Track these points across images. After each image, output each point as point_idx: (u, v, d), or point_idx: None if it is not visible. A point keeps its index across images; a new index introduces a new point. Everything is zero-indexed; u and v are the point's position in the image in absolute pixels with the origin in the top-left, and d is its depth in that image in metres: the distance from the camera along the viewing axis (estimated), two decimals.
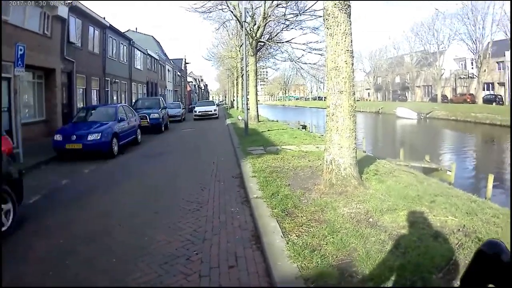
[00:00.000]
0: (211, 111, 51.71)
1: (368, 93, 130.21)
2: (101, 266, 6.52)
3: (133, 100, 43.30)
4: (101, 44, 36.78)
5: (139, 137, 24.59)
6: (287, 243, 6.50)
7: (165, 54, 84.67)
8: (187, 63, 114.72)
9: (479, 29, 71.92)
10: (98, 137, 18.12)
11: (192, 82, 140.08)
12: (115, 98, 41.44)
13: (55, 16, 26.01)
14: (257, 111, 35.87)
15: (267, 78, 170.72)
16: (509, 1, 58.00)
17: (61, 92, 28.19)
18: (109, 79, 38.92)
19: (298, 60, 35.49)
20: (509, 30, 61.39)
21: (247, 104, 27.20)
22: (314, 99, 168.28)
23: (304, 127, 44.44)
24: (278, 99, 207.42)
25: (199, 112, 51.23)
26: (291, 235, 6.88)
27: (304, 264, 5.72)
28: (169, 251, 7.02)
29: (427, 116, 69.50)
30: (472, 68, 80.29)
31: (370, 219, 7.48)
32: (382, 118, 77.85)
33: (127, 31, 64.74)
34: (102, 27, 36.79)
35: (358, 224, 7.24)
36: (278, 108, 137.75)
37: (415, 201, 8.44)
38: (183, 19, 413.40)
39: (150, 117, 30.80)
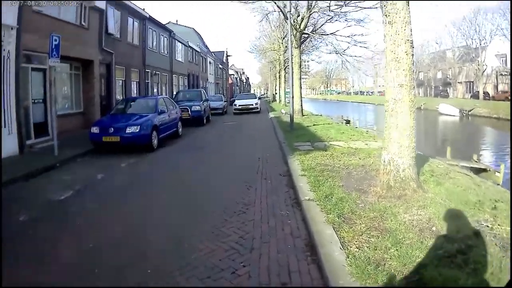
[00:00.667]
0: (252, 104, 46.39)
1: None
2: (133, 279, 5.67)
3: (174, 92, 42.70)
4: (141, 35, 36.07)
5: (180, 130, 23.77)
6: (348, 257, 5.62)
7: (207, 46, 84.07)
8: (229, 55, 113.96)
9: None
10: (137, 130, 17.26)
11: (233, 75, 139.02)
12: (155, 90, 40.78)
13: (93, 7, 25.21)
14: (301, 105, 34.65)
15: (309, 72, 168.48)
16: (509, 1, 58.11)
17: (99, 84, 27.43)
18: (149, 71, 38.23)
19: (343, 53, 34.15)
20: (510, 30, 61.86)
21: (292, 98, 26.05)
22: (356, 93, 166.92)
23: (348, 122, 43.42)
24: (320, 93, 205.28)
25: (239, 105, 46.19)
26: (351, 247, 6.02)
27: (369, 283, 4.92)
28: (212, 261, 6.18)
29: (469, 113, 67.78)
30: None
31: (433, 228, 6.68)
32: (425, 114, 74.86)
33: (168, 23, 63.97)
34: (142, 19, 36.05)
35: (421, 233, 6.45)
36: (319, 102, 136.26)
37: (477, 207, 7.62)
38: (225, 12, 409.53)
39: (192, 109, 30.05)
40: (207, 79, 74.94)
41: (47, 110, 20.44)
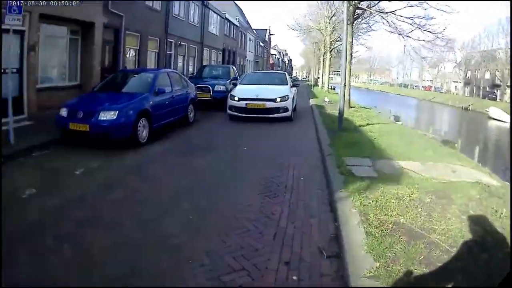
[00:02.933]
0: (275, 100, 19.98)
1: (456, 86, 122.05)
2: None
3: None
4: None
5: (192, 115, 18.56)
6: None
7: (247, 22, 79.00)
8: (272, 34, 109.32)
9: None
10: (114, 117, 11.99)
11: (275, 55, 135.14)
12: (180, 64, 35.69)
13: None
14: (349, 95, 28.49)
15: (353, 58, 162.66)
16: (509, 1, 52.06)
17: (102, 52, 22.40)
18: (173, 40, 33.03)
19: (407, 35, 27.37)
20: (509, 30, 59.72)
21: (343, 85, 19.60)
22: (400, 85, 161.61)
23: (398, 118, 38.69)
24: (362, 82, 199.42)
25: (240, 102, 20.16)
26: None
27: None
28: None
29: None
30: None
31: None
32: (472, 117, 70.81)
33: None
34: None
35: None
36: (362, 91, 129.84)
37: None
38: None
39: (214, 89, 24.42)
40: (246, 57, 69.83)
41: (23, 83, 15.81)
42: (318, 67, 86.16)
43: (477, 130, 53.12)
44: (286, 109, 20.09)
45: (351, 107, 28.37)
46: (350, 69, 27.70)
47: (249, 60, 73.69)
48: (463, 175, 9.79)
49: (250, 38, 74.04)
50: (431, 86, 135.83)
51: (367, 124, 19.95)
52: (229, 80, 26.39)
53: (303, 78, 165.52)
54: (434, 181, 8.93)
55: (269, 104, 19.68)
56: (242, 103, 19.84)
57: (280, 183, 9.43)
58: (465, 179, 9.31)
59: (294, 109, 22.62)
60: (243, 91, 20.81)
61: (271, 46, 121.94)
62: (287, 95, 20.26)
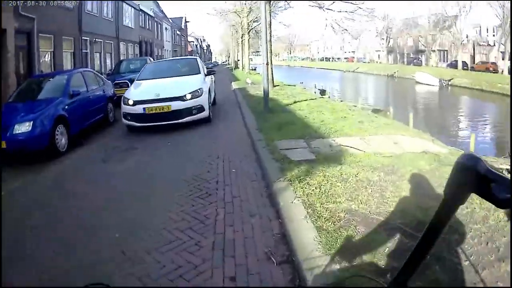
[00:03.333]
0: (182, 98, 14.76)
1: (378, 55, 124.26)
2: None
3: None
4: None
5: (111, 114, 17.69)
6: None
7: (162, 11, 77.58)
8: (187, 22, 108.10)
9: None
10: (29, 128, 11.20)
11: (193, 42, 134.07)
12: (97, 61, 34.67)
13: None
14: (272, 74, 28.44)
15: (272, 37, 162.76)
16: (509, 1, 56.13)
17: (16, 59, 21.52)
18: (88, 38, 32.02)
19: (328, 8, 27.12)
20: (509, 30, 58.66)
21: (266, 64, 18.48)
22: (321, 60, 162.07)
23: (323, 92, 38.64)
24: (283, 60, 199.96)
25: (135, 107, 14.69)
26: None
27: None
28: None
29: (449, 83, 64.00)
30: (494, 35, 75.37)
31: None
32: (400, 83, 72.68)
33: None
34: None
35: None
36: (283, 68, 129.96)
37: None
38: None
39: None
40: (163, 47, 68.89)
41: None
42: (237, 50, 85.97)
43: (406, 95, 54.48)
44: (201, 109, 14.91)
45: (275, 85, 28.35)
46: (271, 48, 27.50)
47: (167, 50, 72.77)
48: (407, 146, 9.79)
49: (166, 28, 73.08)
50: (353, 57, 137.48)
51: (294, 102, 19.60)
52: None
53: (223, 62, 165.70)
54: (378, 157, 8.69)
55: (177, 105, 14.32)
56: (139, 108, 14.29)
57: (210, 179, 8.71)
58: (410, 150, 9.27)
59: (213, 103, 18.71)
60: (140, 91, 15.54)
61: (189, 34, 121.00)
62: (200, 89, 15.05)
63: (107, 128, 16.64)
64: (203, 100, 14.94)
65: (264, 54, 18.26)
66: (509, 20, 57.85)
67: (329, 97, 32.99)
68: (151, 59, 31.93)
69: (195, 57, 21.56)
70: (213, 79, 19.63)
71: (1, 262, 5.08)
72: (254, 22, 54.36)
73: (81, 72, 16.57)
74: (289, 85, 33.64)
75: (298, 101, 19.89)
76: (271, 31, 28.02)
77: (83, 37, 30.70)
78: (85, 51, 31.49)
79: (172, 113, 14.24)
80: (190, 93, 14.54)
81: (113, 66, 33.66)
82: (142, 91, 15.27)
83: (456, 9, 78.66)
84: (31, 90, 14.83)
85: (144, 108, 14.11)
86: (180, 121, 14.35)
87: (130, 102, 14.43)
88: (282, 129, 12.35)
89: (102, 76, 19.76)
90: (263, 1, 18.33)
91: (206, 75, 17.04)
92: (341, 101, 28.21)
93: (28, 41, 23.23)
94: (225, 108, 20.26)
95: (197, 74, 16.58)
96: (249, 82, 33.07)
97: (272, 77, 27.94)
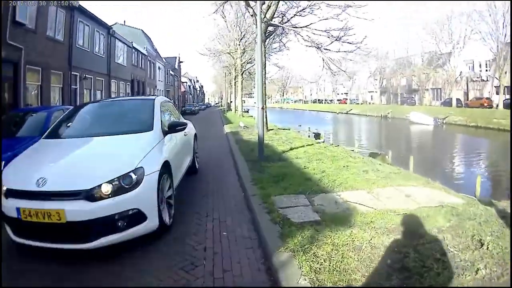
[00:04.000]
0: (88, 193, 6.34)
1: (371, 96, 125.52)
2: None
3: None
4: (67, 29, 28.88)
5: None
6: None
7: (156, 50, 77.17)
8: (181, 62, 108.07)
9: (500, 27, 64.56)
10: None
11: (186, 82, 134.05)
12: (87, 99, 33.37)
13: None
14: (266, 116, 27.67)
15: (266, 79, 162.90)
16: (509, 1, 56.91)
17: (1, 90, 20.45)
18: (77, 73, 31.07)
19: (326, 48, 26.20)
20: (510, 30, 58.87)
21: (262, 108, 16.16)
22: (314, 102, 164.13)
23: (318, 135, 37.45)
24: (276, 102, 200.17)
25: (8, 203, 6.59)
26: None
27: None
28: None
29: (444, 121, 63.91)
30: (487, 70, 75.51)
31: None
32: (394, 124, 71.70)
33: (114, 24, 57.85)
34: (69, 8, 28.79)
35: None
36: (275, 110, 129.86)
37: None
38: (177, 14, 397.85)
39: None
40: (156, 86, 67.97)
41: None
42: (230, 91, 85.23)
43: (401, 136, 53.39)
44: (137, 216, 6.81)
45: (270, 129, 27.44)
46: (265, 91, 26.74)
47: (160, 90, 71.80)
48: (420, 199, 8.76)
49: (159, 67, 72.39)
50: (346, 99, 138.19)
51: (291, 149, 18.15)
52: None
53: (216, 104, 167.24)
54: (392, 215, 7.59)
55: (76, 210, 6.27)
56: (12, 207, 6.51)
57: (197, 245, 7.11)
58: (425, 204, 8.25)
59: (193, 170, 12.93)
60: (26, 165, 7.54)
61: (182, 74, 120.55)
62: (136, 170, 6.91)
63: None
64: (143, 198, 6.93)
65: (259, 98, 16.31)
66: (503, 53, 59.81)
67: (323, 141, 31.89)
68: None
69: (153, 98, 10.81)
70: (193, 133, 13.78)
71: (1, 262, 5.28)
72: (248, 63, 54.06)
73: (62, 109, 14.76)
74: (283, 129, 32.48)
75: (295, 148, 18.62)
76: (265, 73, 27.10)
77: (72, 72, 29.80)
78: (74, 86, 30.56)
79: (67, 229, 6.39)
80: (109, 181, 6.55)
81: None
82: (28, 168, 7.34)
83: (450, 46, 79.42)
84: (11, 126, 13.67)
85: (18, 209, 6.44)
86: (85, 246, 6.45)
87: (4, 189, 6.82)
88: (280, 182, 10.93)
89: None
90: (259, 41, 16.74)
91: (171, 131, 9.41)
92: (337, 145, 27.11)
93: (15, 72, 22.22)
94: (216, 154, 18.75)
95: (146, 132, 8.59)
96: (242, 125, 32.08)
97: (266, 120, 27.09)
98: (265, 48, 26.81)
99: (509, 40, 60.72)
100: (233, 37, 51.26)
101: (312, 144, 20.99)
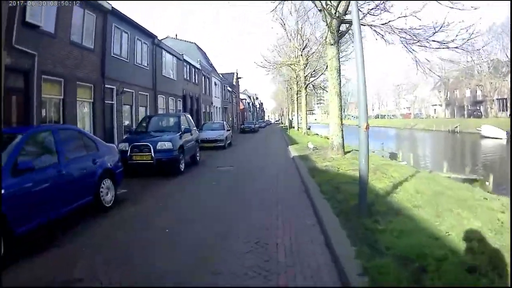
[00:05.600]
0: None
1: (435, 109, 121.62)
2: None
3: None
4: (99, 34, 24.07)
5: (110, 195, 11.66)
6: None
7: (212, 65, 72.86)
8: (239, 77, 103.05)
9: None
10: None
11: (245, 99, 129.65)
12: (126, 115, 28.73)
13: None
14: (343, 137, 21.65)
15: (325, 98, 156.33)
16: (509, 1, 50.28)
17: (7, 105, 15.95)
18: (114, 87, 26.14)
19: (424, 43, 20.10)
20: (510, 30, 57.11)
21: (367, 126, 9.51)
22: (376, 117, 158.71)
23: (394, 155, 33.21)
24: None
25: None
26: None
27: None
28: None
29: None
30: None
31: None
32: (465, 139, 66.27)
33: (165, 38, 55.07)
34: (101, 10, 24.12)
35: None
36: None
37: None
38: (232, 27, 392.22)
39: (157, 148, 17.54)
40: (212, 103, 63.04)
41: None
42: (291, 108, 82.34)
43: (483, 154, 47.12)
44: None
45: (347, 152, 21.88)
46: (341, 104, 21.42)
47: (216, 107, 66.97)
48: None
49: (215, 83, 67.39)
50: (410, 113, 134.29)
51: (394, 186, 11.96)
52: (179, 134, 19.72)
53: (276, 121, 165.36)
54: None
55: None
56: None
57: None
58: None
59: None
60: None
61: (241, 91, 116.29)
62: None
63: (98, 219, 10.42)
64: None
65: (362, 112, 9.12)
66: None
67: (405, 162, 27.67)
68: (187, 116, 24.77)
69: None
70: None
71: (1, 262, 5.83)
72: (311, 76, 49.40)
73: (51, 130, 10.08)
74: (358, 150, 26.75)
75: (398, 183, 12.47)
76: (340, 81, 21.58)
77: (106, 85, 24.95)
78: (109, 101, 25.77)
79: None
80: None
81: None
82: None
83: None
84: None
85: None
86: None
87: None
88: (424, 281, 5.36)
89: (96, 138, 13.04)
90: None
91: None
92: (430, 171, 21.80)
93: (26, 83, 17.56)
94: (283, 195, 12.99)
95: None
96: (311, 146, 26.32)
97: (343, 140, 21.59)
98: (338, 50, 21.43)
99: None
100: (294, 46, 46.97)
101: (414, 175, 14.88)
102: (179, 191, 14.76)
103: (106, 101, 25.02)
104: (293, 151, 26.74)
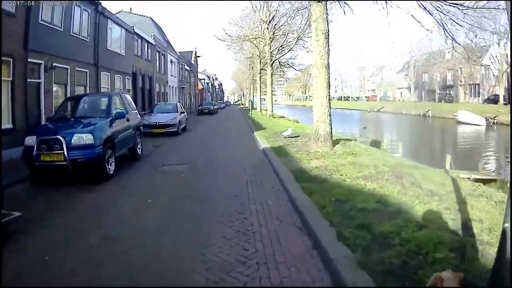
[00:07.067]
0: None
1: (401, 92, 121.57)
2: None
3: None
4: None
5: None
6: None
7: (168, 42, 67.58)
8: (198, 56, 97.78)
9: None
10: None
11: (204, 79, 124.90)
12: (60, 96, 23.39)
13: None
14: (331, 123, 16.80)
15: (287, 78, 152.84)
16: (509, 1, 48.70)
17: None
18: (42, 61, 20.95)
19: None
20: (509, 31, 50.87)
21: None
22: (339, 99, 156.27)
23: (377, 144, 27.93)
24: (297, 99, 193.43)
25: None
26: None
27: None
28: None
29: (495, 121, 57.34)
30: None
31: None
32: (442, 124, 63.21)
33: (119, 12, 50.23)
34: None
35: None
36: (300, 109, 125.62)
37: None
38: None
39: (72, 143, 12.39)
40: (167, 82, 58.19)
41: None
42: (253, 88, 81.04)
43: (472, 142, 43.74)
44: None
45: (340, 140, 17.68)
46: (329, 81, 16.81)
47: (173, 87, 61.98)
48: None
49: (172, 60, 62.36)
50: (375, 95, 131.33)
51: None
52: (107, 121, 14.81)
53: (236, 102, 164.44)
54: None
55: None
56: None
57: None
58: None
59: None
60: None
61: (200, 71, 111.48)
62: None
63: None
64: None
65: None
66: None
67: (384, 148, 25.87)
68: (125, 96, 19.18)
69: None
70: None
71: (1, 262, 5.42)
72: (277, 53, 45.25)
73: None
74: (346, 140, 21.95)
75: (453, 201, 8.28)
76: (328, 52, 16.91)
77: (31, 59, 19.85)
78: (35, 80, 20.70)
79: None
80: None
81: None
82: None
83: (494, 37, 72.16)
84: None
85: None
86: None
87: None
88: None
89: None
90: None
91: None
92: (445, 170, 17.58)
93: None
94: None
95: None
96: (287, 134, 21.82)
97: (331, 128, 16.92)
98: (326, 9, 16.73)
99: None
100: (260, 18, 43.97)
101: (410, 166, 11.44)
102: (94, 216, 9.41)
103: (29, 79, 19.82)
104: (263, 141, 21.99)
